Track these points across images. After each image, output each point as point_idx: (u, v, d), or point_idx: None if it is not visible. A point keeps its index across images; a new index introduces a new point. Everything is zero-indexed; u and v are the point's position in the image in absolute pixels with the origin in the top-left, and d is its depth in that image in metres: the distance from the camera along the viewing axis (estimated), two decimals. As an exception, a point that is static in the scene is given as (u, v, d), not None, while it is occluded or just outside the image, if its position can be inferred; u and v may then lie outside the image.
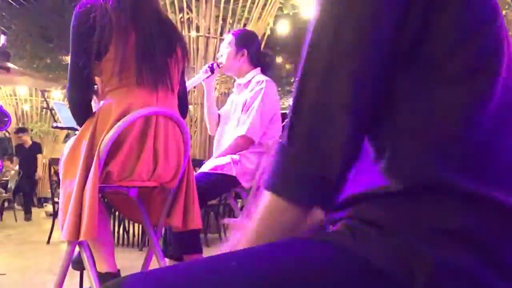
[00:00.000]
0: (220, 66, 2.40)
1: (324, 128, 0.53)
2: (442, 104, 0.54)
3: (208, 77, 2.39)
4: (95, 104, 1.66)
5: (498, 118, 0.55)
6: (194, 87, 4.79)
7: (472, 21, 0.55)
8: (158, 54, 1.61)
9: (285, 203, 0.56)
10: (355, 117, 0.54)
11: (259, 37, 5.29)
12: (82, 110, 1.62)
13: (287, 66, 15.02)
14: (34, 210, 8.88)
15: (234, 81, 2.56)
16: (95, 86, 1.65)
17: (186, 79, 1.83)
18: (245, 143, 2.28)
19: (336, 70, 0.53)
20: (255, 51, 2.43)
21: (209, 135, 4.18)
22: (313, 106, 0.54)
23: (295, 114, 0.56)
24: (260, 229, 0.59)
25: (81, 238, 1.41)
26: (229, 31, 5.16)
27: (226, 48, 2.41)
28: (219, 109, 2.59)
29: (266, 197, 0.57)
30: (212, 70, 2.38)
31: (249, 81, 2.38)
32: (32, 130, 10.48)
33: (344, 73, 0.53)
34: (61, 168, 1.60)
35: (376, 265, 0.51)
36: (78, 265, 1.76)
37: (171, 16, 4.49)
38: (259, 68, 2.43)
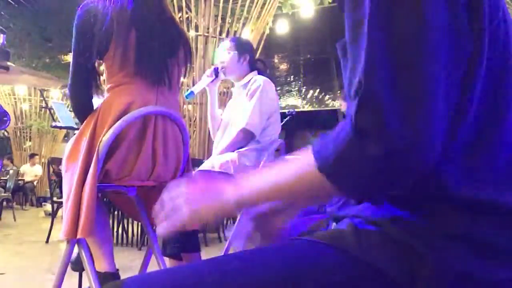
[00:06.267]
0: (223, 70, 2.43)
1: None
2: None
3: (212, 81, 2.41)
4: (97, 99, 1.66)
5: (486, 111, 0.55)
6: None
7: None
8: (158, 52, 1.61)
9: (326, 181, 0.51)
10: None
11: (259, 37, 5.33)
12: (84, 107, 1.63)
13: (286, 66, 15.01)
14: (33, 209, 8.86)
15: (233, 83, 2.57)
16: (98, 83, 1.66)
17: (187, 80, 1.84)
18: (245, 137, 2.29)
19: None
20: (253, 56, 2.53)
21: (209, 135, 4.18)
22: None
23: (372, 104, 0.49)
24: (282, 184, 0.56)
25: (78, 236, 1.41)
26: (228, 30, 5.19)
27: (227, 53, 2.43)
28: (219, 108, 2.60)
29: (307, 164, 0.53)
30: (216, 73, 2.40)
31: (247, 82, 2.40)
32: (31, 128, 10.47)
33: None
34: (63, 165, 1.61)
35: (378, 267, 0.51)
36: (77, 266, 1.76)
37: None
38: (256, 71, 2.47)
